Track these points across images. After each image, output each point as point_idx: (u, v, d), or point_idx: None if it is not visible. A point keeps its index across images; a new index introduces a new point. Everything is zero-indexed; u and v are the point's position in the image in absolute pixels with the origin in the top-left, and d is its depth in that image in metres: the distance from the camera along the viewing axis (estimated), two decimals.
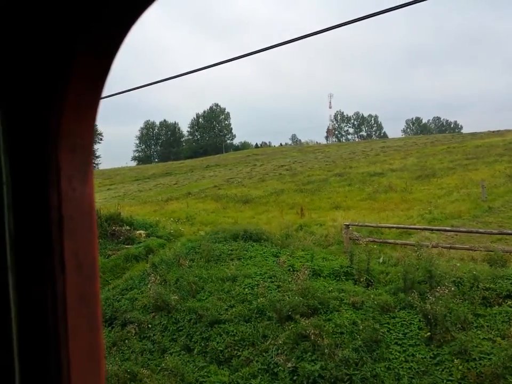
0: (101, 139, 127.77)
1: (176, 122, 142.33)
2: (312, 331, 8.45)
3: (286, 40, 10.52)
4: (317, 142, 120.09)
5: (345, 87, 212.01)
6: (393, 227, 14.23)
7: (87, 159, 0.87)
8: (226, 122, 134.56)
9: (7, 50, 0.77)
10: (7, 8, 0.72)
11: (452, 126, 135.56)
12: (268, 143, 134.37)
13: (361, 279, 10.53)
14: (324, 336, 8.57)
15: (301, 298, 9.70)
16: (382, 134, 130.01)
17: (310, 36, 10.84)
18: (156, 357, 9.68)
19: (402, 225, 14.13)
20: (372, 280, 10.50)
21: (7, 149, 0.78)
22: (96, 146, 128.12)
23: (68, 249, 0.78)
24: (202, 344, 9.58)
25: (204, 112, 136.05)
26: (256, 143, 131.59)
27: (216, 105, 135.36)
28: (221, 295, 10.94)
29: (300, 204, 23.73)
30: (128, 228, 18.87)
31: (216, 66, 11.36)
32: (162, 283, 12.11)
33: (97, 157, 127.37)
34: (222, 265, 12.84)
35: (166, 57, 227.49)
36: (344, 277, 10.91)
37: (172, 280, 12.06)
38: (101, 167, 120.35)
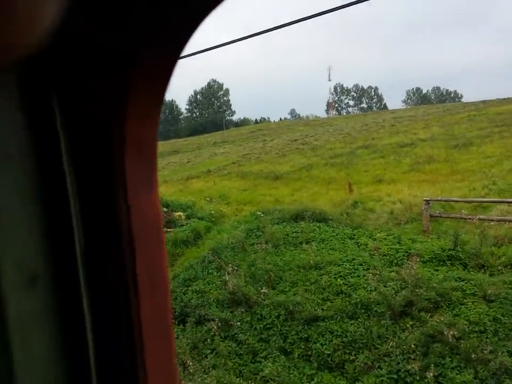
0: None
1: (173, 100, 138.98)
2: (450, 332, 6.95)
3: (290, 21, 9.98)
4: (316, 116, 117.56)
5: (343, 59, 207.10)
6: (484, 201, 12.64)
7: (152, 166, 0.77)
8: (225, 98, 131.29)
9: (69, 54, 0.69)
10: (73, 10, 0.59)
11: (452, 95, 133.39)
12: (266, 119, 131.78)
13: (472, 264, 9.02)
14: (458, 337, 7.09)
15: (413, 290, 8.19)
16: (382, 106, 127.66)
17: (317, 16, 10.75)
18: (247, 361, 8.19)
19: (498, 200, 12.44)
20: (485, 265, 9.00)
21: (70, 160, 0.70)
22: None
23: (139, 265, 0.71)
24: (302, 346, 8.08)
25: (202, 88, 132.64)
26: (256, 119, 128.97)
27: (214, 81, 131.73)
28: (307, 287, 9.41)
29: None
30: (165, 209, 17.23)
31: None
32: (231, 272, 10.57)
33: None
34: (293, 250, 11.30)
35: None
36: (449, 262, 9.39)
37: (242, 269, 10.51)
38: None
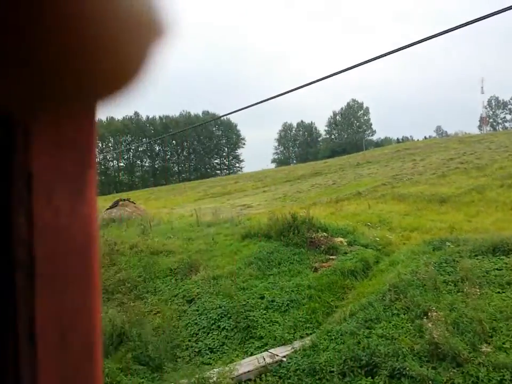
0: (244, 144, 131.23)
1: (313, 122, 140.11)
2: None
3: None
4: (465, 132, 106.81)
5: (497, 70, 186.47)
6: None
7: (83, 161, 0.50)
8: (365, 117, 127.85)
9: None
10: None
11: None
12: (409, 137, 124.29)
13: None
14: None
15: None
16: None
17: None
18: None
19: None
20: None
21: None
22: (239, 151, 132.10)
23: (43, 312, 0.48)
24: None
25: (341, 109, 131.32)
26: (397, 138, 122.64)
27: (354, 100, 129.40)
28: None
29: None
30: (325, 234, 16.08)
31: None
32: (422, 316, 8.81)
33: (241, 160, 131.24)
34: (501, 293, 9.08)
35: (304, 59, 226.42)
36: None
37: (440, 314, 8.67)
38: (245, 170, 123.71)
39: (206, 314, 11.33)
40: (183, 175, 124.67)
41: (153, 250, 17.78)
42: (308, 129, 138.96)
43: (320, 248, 14.92)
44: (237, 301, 11.33)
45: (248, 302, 11.36)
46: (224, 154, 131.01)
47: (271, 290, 12.22)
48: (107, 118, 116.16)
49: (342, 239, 15.97)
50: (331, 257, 14.49)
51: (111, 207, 34.54)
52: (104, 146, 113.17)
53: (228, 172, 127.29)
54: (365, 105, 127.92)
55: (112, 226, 28.15)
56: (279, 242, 15.70)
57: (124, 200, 36.26)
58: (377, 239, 15.59)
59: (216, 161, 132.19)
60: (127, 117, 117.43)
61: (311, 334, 9.94)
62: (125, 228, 26.19)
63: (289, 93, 12.87)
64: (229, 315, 10.98)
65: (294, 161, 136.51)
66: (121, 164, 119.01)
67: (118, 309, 13.57)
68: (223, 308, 11.28)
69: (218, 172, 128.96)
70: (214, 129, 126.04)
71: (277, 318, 10.84)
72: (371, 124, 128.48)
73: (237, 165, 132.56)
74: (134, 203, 36.19)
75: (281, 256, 14.64)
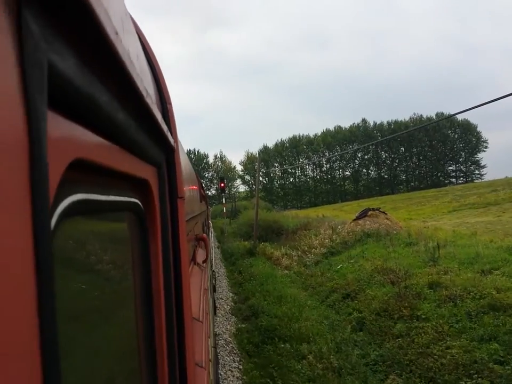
0: (486, 147, 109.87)
1: None
2: None
3: None
4: None
5: None
6: None
7: None
8: None
9: None
10: None
11: None
12: None
13: None
14: None
15: None
16: None
17: None
18: None
19: None
20: None
21: None
22: (479, 155, 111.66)
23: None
24: None
25: None
26: None
27: None
28: None
29: None
30: None
31: None
32: None
33: (482, 166, 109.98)
34: None
35: None
36: None
37: None
38: (487, 177, 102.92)
39: None
40: (411, 184, 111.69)
41: (489, 302, 9.55)
42: None
43: None
44: None
45: None
46: (460, 159, 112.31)
47: None
48: (335, 128, 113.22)
49: None
50: None
51: (358, 218, 27.71)
52: (330, 155, 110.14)
53: (464, 179, 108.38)
54: None
55: (368, 243, 21.00)
56: None
57: (373, 209, 29.02)
58: None
59: (450, 167, 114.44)
60: (354, 124, 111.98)
61: None
62: (391, 248, 18.52)
63: None
64: None
65: None
66: (347, 173, 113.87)
67: None
68: None
69: (453, 179, 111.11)
70: (449, 132, 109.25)
71: None
72: None
73: (476, 171, 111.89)
74: (386, 213, 28.52)
75: None
